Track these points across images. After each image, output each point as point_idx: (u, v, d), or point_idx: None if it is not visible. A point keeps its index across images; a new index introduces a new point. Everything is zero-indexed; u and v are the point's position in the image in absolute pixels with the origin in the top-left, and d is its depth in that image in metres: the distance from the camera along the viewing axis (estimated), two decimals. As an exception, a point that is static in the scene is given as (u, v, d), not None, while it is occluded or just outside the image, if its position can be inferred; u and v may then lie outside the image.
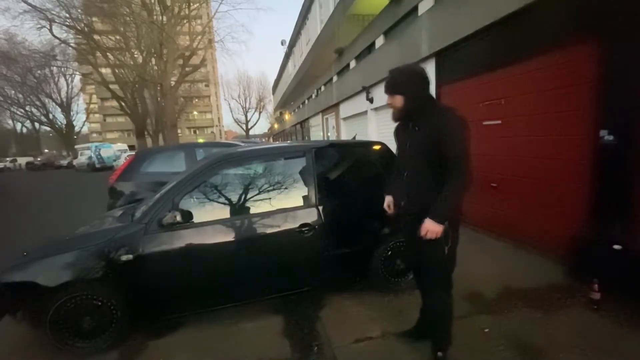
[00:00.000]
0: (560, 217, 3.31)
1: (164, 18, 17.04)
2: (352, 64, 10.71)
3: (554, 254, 3.31)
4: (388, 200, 2.07)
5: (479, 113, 4.29)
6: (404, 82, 1.77)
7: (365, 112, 9.56)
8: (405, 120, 1.85)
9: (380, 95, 7.97)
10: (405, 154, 1.85)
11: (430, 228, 1.65)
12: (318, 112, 16.62)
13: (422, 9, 5.74)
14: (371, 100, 8.72)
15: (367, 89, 8.70)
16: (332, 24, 12.05)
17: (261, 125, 57.03)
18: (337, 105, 12.72)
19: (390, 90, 1.80)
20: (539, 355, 1.99)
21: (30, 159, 34.16)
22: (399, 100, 1.77)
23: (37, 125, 40.19)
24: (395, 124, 2.01)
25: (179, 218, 2.22)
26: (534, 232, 3.61)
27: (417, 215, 1.73)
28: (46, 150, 46.63)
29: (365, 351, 2.12)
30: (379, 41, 8.19)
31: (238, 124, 49.49)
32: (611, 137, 2.76)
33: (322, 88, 15.69)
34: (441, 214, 1.67)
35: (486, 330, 2.25)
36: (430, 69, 5.39)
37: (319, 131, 16.94)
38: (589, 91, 2.92)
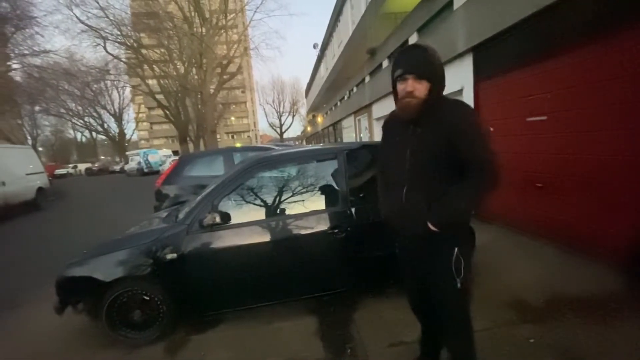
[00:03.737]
0: (618, 219, 3.01)
1: (203, 30, 18.01)
2: (385, 63, 10.56)
3: (610, 259, 3.02)
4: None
5: (521, 109, 4.04)
6: (435, 66, 1.36)
7: (399, 112, 9.35)
8: (404, 120, 1.45)
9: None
10: (404, 163, 1.42)
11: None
12: (350, 114, 16.56)
13: (458, 2, 5.52)
14: (405, 100, 8.52)
15: (400, 88, 8.52)
16: (364, 23, 11.97)
17: (295, 128, 58.06)
18: (369, 105, 12.59)
19: (419, 71, 1.33)
20: (592, 370, 1.84)
21: (89, 165, 37.54)
22: (424, 88, 1.33)
23: (94, 134, 44.08)
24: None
25: (218, 219, 2.33)
26: (587, 236, 3.32)
27: (426, 239, 1.39)
28: (102, 157, 50.99)
29: (399, 356, 2.08)
30: (412, 39, 7.99)
31: (272, 128, 50.78)
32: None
33: (354, 89, 15.62)
34: (441, 215, 1.33)
35: (531, 340, 2.11)
36: (467, 65, 5.18)
37: (352, 132, 16.87)
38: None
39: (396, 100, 1.46)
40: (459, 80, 5.41)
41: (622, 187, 2.96)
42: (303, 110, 50.34)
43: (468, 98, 5.18)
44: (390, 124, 1.60)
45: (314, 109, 35.57)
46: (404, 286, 1.74)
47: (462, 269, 1.38)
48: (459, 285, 1.38)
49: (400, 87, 1.39)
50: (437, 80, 1.36)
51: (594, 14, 3.08)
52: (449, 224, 1.34)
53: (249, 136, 56.69)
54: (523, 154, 4.11)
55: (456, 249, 1.38)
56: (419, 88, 1.34)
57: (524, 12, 3.81)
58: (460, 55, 5.34)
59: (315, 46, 25.24)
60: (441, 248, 1.39)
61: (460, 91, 5.43)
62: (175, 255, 2.35)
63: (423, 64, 1.35)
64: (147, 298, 2.39)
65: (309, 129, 41.69)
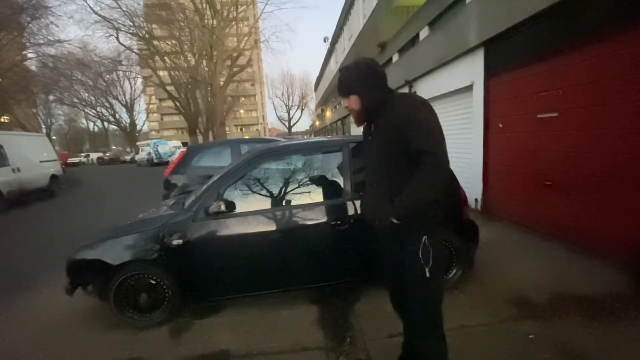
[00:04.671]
0: (626, 219, 2.96)
1: (214, 22, 18.04)
2: (395, 57, 10.44)
3: (618, 259, 2.98)
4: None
5: (532, 105, 3.97)
6: (355, 79, 1.50)
7: (408, 107, 9.27)
8: (368, 122, 1.60)
9: (423, 88, 7.71)
10: (373, 161, 1.56)
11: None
12: (360, 108, 16.44)
13: (471, -4, 5.42)
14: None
15: (409, 83, 8.44)
16: (376, 17, 11.84)
17: (303, 122, 57.96)
18: (379, 100, 12.47)
19: (343, 91, 1.54)
20: (591, 367, 1.84)
21: (101, 154, 38.15)
22: (354, 101, 1.51)
23: (106, 124, 44.76)
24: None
25: (223, 207, 2.37)
26: (594, 235, 3.28)
27: (398, 234, 1.41)
28: (113, 147, 51.72)
29: (397, 346, 2.08)
30: (423, 33, 7.89)
31: (281, 122, 50.76)
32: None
33: (364, 84, 15.49)
34: (400, 209, 1.35)
35: (531, 336, 2.11)
36: (478, 59, 5.09)
37: (359, 128, 16.77)
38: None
39: None
40: (470, 75, 5.33)
41: (632, 187, 2.91)
42: (312, 104, 50.15)
43: (478, 93, 5.11)
44: (365, 128, 1.70)
45: (323, 103, 35.44)
46: (384, 283, 1.78)
47: (430, 258, 1.38)
48: (427, 274, 1.38)
49: None
50: (362, 91, 1.48)
51: (608, 9, 3.00)
52: (410, 217, 1.36)
53: (257, 129, 56.86)
54: (533, 151, 4.05)
55: (424, 238, 1.39)
56: (351, 103, 1.52)
57: (536, 6, 3.72)
58: (472, 50, 5.25)
59: (325, 39, 25.02)
60: (409, 237, 1.41)
61: (470, 86, 5.36)
62: (181, 241, 2.40)
63: (341, 85, 1.54)
64: (154, 282, 2.46)
65: (317, 123, 41.60)
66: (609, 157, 3.10)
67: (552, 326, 2.20)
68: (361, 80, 1.49)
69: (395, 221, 1.36)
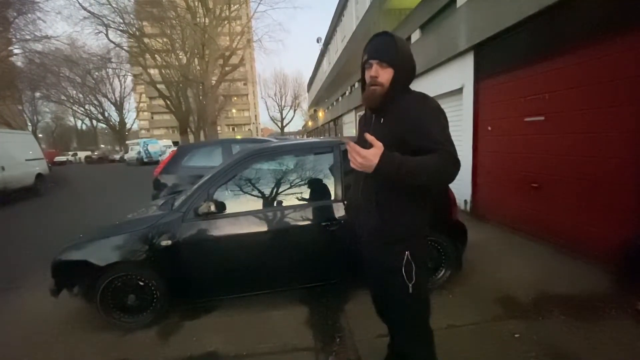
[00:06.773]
0: (610, 221, 3.05)
1: (206, 20, 17.89)
2: (388, 59, 10.52)
3: (600, 260, 3.06)
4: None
5: (520, 109, 4.05)
6: (401, 52, 1.29)
7: (399, 109, 9.34)
8: (373, 112, 1.39)
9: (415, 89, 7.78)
10: None
11: (367, 154, 1.10)
12: (351, 109, 16.53)
13: (461, 0, 5.50)
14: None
15: (402, 85, 8.51)
16: (368, 19, 11.91)
17: (296, 122, 57.77)
18: (371, 102, 12.53)
19: (385, 56, 1.28)
20: (574, 365, 1.88)
21: (89, 153, 37.45)
22: (387, 75, 1.29)
23: (94, 122, 43.84)
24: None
25: (213, 208, 2.36)
26: (579, 236, 3.36)
27: (380, 245, 1.35)
28: (102, 146, 50.80)
29: (386, 346, 2.12)
30: (415, 35, 7.96)
31: (274, 122, 50.56)
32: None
33: (356, 85, 15.57)
34: (392, 162, 1.10)
35: (517, 335, 2.15)
36: (468, 63, 5.17)
37: (352, 128, 16.85)
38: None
39: (364, 90, 1.40)
40: (460, 78, 5.41)
41: (616, 189, 2.99)
42: (305, 105, 50.11)
43: (468, 96, 5.18)
44: (363, 117, 1.55)
45: (315, 104, 35.47)
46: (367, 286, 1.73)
47: (413, 274, 1.31)
48: (411, 290, 1.31)
49: (366, 74, 1.35)
50: (402, 69, 1.30)
51: (592, 17, 3.08)
52: (393, 171, 1.12)
53: (249, 129, 56.54)
54: (520, 154, 4.13)
55: (407, 253, 1.31)
56: (382, 74, 1.29)
57: (525, 11, 3.80)
58: (462, 54, 5.33)
59: (318, 40, 25.03)
60: (392, 251, 1.34)
61: (460, 89, 5.43)
62: (170, 242, 2.38)
63: (387, 50, 1.29)
64: (142, 283, 2.43)
65: (310, 123, 41.58)
66: (594, 160, 3.18)
67: (536, 325, 2.25)
68: (405, 57, 1.31)
69: (373, 163, 1.11)
